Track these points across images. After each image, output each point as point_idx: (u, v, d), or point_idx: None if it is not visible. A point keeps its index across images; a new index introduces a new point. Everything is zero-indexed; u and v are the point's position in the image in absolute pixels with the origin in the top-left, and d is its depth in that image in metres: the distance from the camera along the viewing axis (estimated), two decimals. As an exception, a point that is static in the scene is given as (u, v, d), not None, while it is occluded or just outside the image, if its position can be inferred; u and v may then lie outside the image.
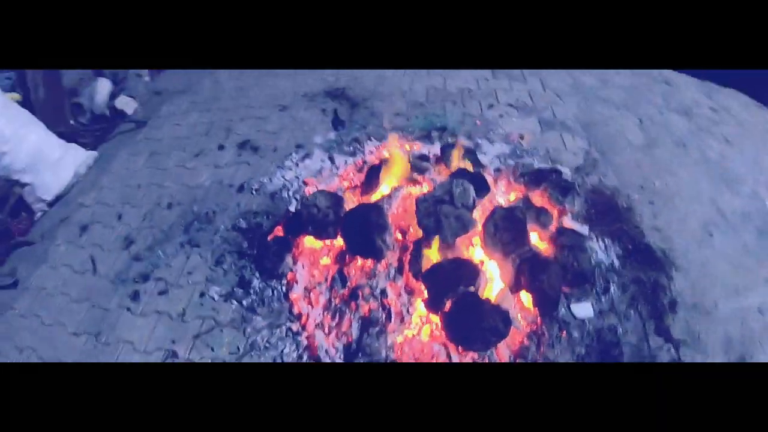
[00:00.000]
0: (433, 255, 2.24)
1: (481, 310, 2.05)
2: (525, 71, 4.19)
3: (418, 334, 2.19)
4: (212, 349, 2.21)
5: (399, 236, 2.37)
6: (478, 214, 2.34)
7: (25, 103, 3.26)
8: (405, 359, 2.12)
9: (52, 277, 2.63)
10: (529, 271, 2.20)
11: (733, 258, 2.65)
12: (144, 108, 3.95)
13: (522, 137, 3.40)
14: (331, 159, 3.18)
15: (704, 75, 4.22)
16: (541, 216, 2.53)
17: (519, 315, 2.25)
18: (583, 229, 2.74)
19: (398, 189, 2.49)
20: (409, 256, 2.27)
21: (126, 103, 3.81)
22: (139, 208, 2.99)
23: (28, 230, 2.93)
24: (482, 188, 2.41)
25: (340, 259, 2.41)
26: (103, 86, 3.74)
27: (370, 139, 3.32)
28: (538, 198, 2.68)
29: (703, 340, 2.24)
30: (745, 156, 3.38)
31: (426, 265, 2.21)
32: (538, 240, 2.52)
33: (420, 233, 2.27)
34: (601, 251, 2.65)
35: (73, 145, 3.29)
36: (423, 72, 4.15)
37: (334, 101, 3.83)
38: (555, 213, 2.71)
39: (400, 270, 2.28)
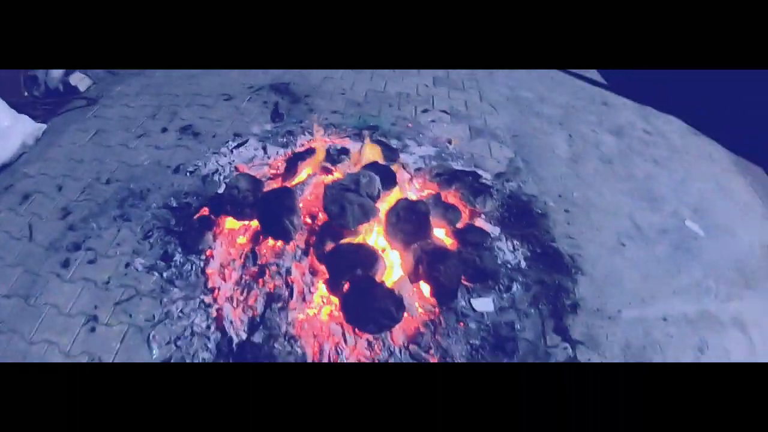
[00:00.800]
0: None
1: (374, 293, 2.17)
2: (465, 82, 4.36)
3: (318, 313, 2.29)
4: (130, 316, 2.30)
5: (309, 220, 2.48)
6: (386, 206, 2.46)
7: None
8: (303, 336, 2.22)
9: (-12, 240, 2.67)
10: (428, 262, 2.33)
11: (643, 268, 2.80)
12: (97, 86, 3.98)
13: (450, 141, 3.56)
14: (264, 149, 3.29)
15: (646, 100, 4.45)
16: (448, 212, 2.67)
17: (417, 303, 2.38)
18: (494, 230, 2.90)
19: (312, 176, 2.61)
20: (314, 239, 2.38)
21: (80, 80, 3.83)
22: (80, 182, 3.04)
23: None
24: (389, 181, 2.53)
25: (255, 239, 2.51)
26: (57, 62, 3.75)
27: (304, 133, 3.45)
28: (450, 196, 2.83)
29: (601, 343, 2.37)
30: (672, 178, 3.56)
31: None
32: (444, 235, 2.66)
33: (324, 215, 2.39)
34: (509, 252, 2.80)
35: (24, 116, 3.30)
36: (366, 74, 4.30)
37: (277, 95, 3.94)
38: (467, 212, 2.86)
39: (306, 252, 2.39)
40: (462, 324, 2.40)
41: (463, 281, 2.54)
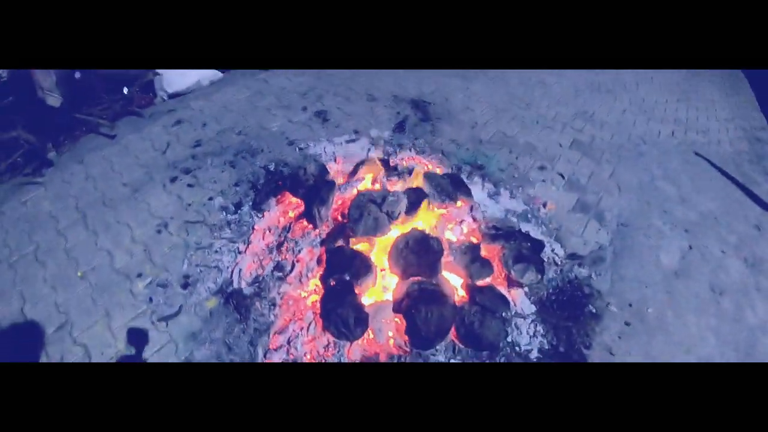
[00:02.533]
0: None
1: (344, 300, 2.20)
2: (605, 155, 3.86)
3: (306, 297, 2.42)
4: (188, 234, 2.81)
5: (340, 217, 2.60)
6: (401, 230, 2.44)
7: None
8: (283, 308, 2.39)
9: (137, 142, 3.52)
10: (414, 298, 2.25)
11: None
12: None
13: (544, 205, 3.23)
14: (368, 151, 3.48)
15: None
16: (475, 265, 2.49)
17: (390, 331, 2.32)
18: (528, 307, 2.59)
19: (359, 181, 2.71)
20: (330, 235, 2.51)
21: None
22: (220, 125, 3.75)
23: (146, 106, 3.89)
24: (415, 207, 2.48)
25: (299, 217, 2.76)
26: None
27: (410, 150, 3.53)
28: (489, 251, 2.62)
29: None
30: None
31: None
32: (458, 286, 2.49)
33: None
34: (527, 335, 2.49)
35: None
36: (507, 116, 4.14)
37: (412, 109, 4.10)
38: (502, 276, 2.62)
39: (323, 242, 2.53)
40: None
41: (453, 337, 2.37)
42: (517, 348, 2.43)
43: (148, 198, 3.03)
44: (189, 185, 3.15)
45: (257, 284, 2.49)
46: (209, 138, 3.60)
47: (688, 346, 2.56)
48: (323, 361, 2.21)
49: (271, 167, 3.33)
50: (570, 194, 3.41)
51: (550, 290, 2.72)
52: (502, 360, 2.37)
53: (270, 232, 2.77)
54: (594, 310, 2.66)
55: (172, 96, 3.96)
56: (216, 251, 2.72)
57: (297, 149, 3.53)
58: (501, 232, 2.74)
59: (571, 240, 3.04)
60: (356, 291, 2.26)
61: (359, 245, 2.46)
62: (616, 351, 2.49)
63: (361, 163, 2.87)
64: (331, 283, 2.31)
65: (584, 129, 4.14)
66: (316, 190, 2.67)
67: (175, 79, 3.91)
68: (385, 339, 2.30)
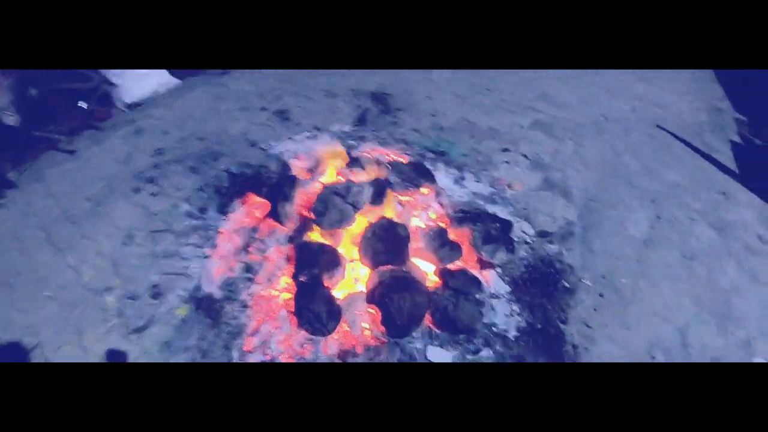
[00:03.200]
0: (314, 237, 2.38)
1: (314, 294, 2.14)
2: (568, 132, 3.87)
3: (277, 296, 2.36)
4: (156, 244, 2.71)
5: (305, 213, 2.54)
6: (367, 220, 2.39)
7: None
8: (254, 309, 2.32)
9: (97, 156, 3.36)
10: (385, 287, 2.20)
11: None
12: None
13: (509, 186, 3.22)
14: (330, 145, 3.42)
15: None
16: (444, 249, 2.45)
17: (365, 323, 2.27)
18: (501, 288, 2.57)
19: (321, 174, 2.66)
20: (296, 231, 2.44)
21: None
22: (182, 132, 3.60)
23: (105, 119, 3.75)
24: (380, 197, 2.44)
25: (265, 217, 2.68)
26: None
27: (372, 141, 3.48)
28: (458, 235, 2.59)
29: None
30: (762, 301, 2.76)
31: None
32: (431, 272, 2.46)
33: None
34: (503, 315, 2.49)
35: (163, 70, 4.00)
36: (468, 103, 4.12)
37: (372, 102, 4.04)
38: (474, 258, 2.59)
39: (291, 239, 2.47)
40: (403, 366, 2.22)
41: (428, 323, 2.34)
42: (494, 329, 2.41)
43: (112, 211, 2.92)
44: (153, 194, 3.05)
45: (228, 288, 2.41)
46: (171, 145, 3.49)
47: (665, 315, 2.57)
48: (301, 359, 2.15)
49: (234, 170, 3.25)
50: (535, 173, 3.40)
51: (522, 269, 2.71)
52: (481, 342, 2.34)
53: (237, 234, 2.70)
54: (567, 285, 2.66)
55: (130, 106, 3.83)
56: (184, 258, 2.64)
57: (259, 149, 3.45)
58: (468, 215, 2.72)
59: (539, 218, 3.03)
60: (326, 285, 2.21)
61: (326, 239, 2.40)
62: (592, 323, 2.49)
63: (323, 157, 2.80)
64: (302, 279, 2.25)
65: (546, 110, 4.14)
66: (279, 188, 2.61)
67: (133, 89, 3.79)
68: (360, 331, 2.25)
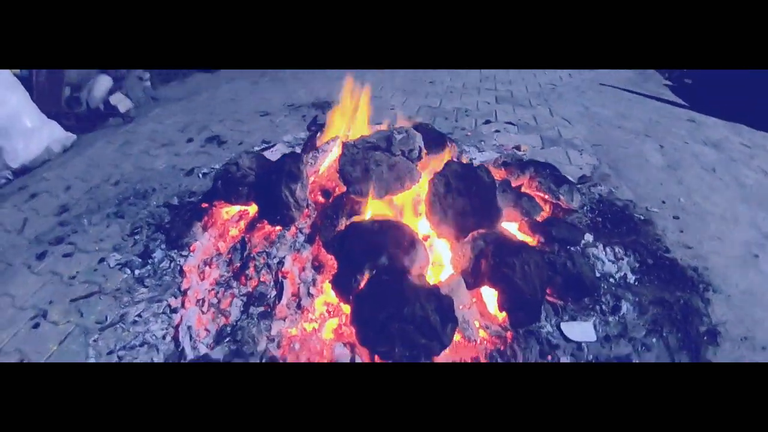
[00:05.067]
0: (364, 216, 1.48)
1: (405, 292, 1.23)
2: (532, 100, 3.60)
3: (319, 329, 1.38)
4: (81, 315, 1.65)
5: (321, 198, 1.64)
6: (430, 172, 1.57)
7: (26, 84, 2.97)
8: (291, 360, 1.30)
9: (-18, 232, 2.14)
10: (496, 255, 1.38)
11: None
12: (138, 110, 3.59)
13: (518, 148, 2.70)
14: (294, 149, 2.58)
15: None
16: (522, 201, 1.74)
17: (477, 321, 1.41)
18: (586, 237, 1.93)
19: (332, 141, 1.77)
20: (324, 222, 1.51)
21: (120, 100, 3.47)
22: (88, 183, 2.56)
23: None
24: (438, 144, 1.68)
25: (250, 227, 1.70)
26: (102, 82, 3.44)
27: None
28: (524, 184, 1.91)
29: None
30: None
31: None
32: (518, 231, 1.71)
33: (342, 188, 1.53)
34: (609, 262, 1.84)
35: (53, 122, 2.93)
36: (420, 93, 3.65)
37: (317, 110, 3.34)
38: (547, 208, 1.92)
39: (311, 239, 1.53)
40: (550, 359, 1.42)
41: (548, 297, 1.55)
42: (611, 279, 1.73)
43: (10, 289, 1.79)
44: (66, 255, 1.95)
45: (229, 340, 1.36)
46: (77, 199, 2.37)
47: (733, 218, 2.25)
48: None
49: (174, 201, 2.23)
50: (531, 136, 2.96)
51: (591, 214, 2.13)
52: (611, 297, 1.63)
53: (212, 264, 1.66)
54: (641, 217, 2.16)
55: (18, 173, 2.62)
56: (134, 321, 1.53)
57: (200, 176, 2.49)
58: (516, 165, 2.06)
59: (567, 169, 2.52)
60: (410, 275, 1.31)
61: (373, 214, 1.52)
62: (689, 243, 2.03)
63: (313, 122, 1.95)
64: (362, 283, 1.32)
65: (497, 87, 3.86)
66: (266, 184, 1.68)
67: (17, 149, 2.60)
68: (476, 333, 1.37)
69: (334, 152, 1.73)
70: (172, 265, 1.77)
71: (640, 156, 2.75)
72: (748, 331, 1.57)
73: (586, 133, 3.02)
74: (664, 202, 2.30)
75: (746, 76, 3.69)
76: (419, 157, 1.53)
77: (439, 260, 1.52)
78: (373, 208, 1.49)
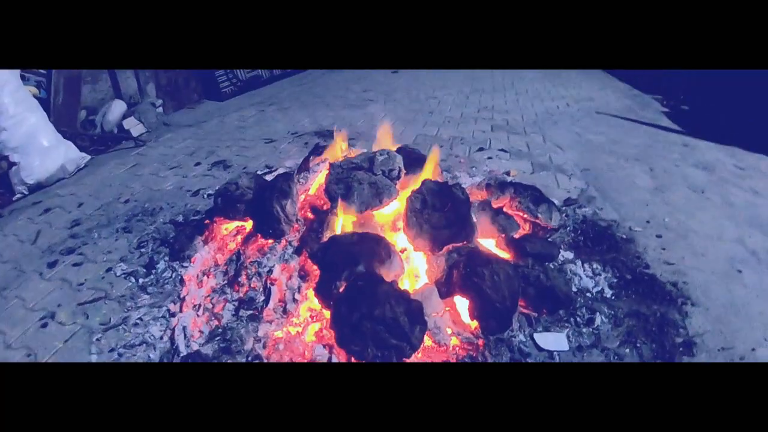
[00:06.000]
0: (338, 226, 1.62)
1: (378, 296, 1.35)
2: (527, 128, 3.76)
3: (302, 332, 1.50)
4: (87, 317, 1.79)
5: (310, 215, 1.78)
6: (409, 190, 1.71)
7: (44, 105, 3.22)
8: (275, 359, 1.42)
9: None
10: (467, 266, 1.50)
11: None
12: (149, 135, 3.85)
13: (508, 173, 2.83)
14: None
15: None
16: (500, 218, 1.86)
17: (448, 328, 1.51)
18: (565, 254, 2.03)
19: (322, 162, 1.94)
20: (309, 234, 1.65)
21: (133, 125, 3.73)
22: (100, 200, 2.77)
23: (3, 205, 2.76)
24: (415, 164, 1.82)
25: (246, 241, 1.85)
26: (117, 106, 3.72)
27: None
28: (505, 205, 2.03)
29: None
30: None
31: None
32: (494, 247, 1.82)
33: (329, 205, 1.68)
34: (587, 277, 1.94)
35: (69, 142, 3.15)
36: (418, 123, 3.85)
37: (320, 138, 3.55)
38: (527, 227, 2.03)
39: (299, 250, 1.67)
40: (520, 365, 1.49)
41: (521, 308, 1.65)
42: (588, 293, 1.82)
43: (22, 292, 1.96)
44: (75, 264, 2.13)
45: (219, 339, 1.48)
46: (89, 215, 2.57)
47: (718, 235, 2.33)
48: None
49: (179, 219, 2.41)
50: (522, 161, 3.10)
51: (573, 234, 2.23)
52: (585, 311, 1.72)
53: (210, 274, 1.81)
54: (624, 236, 2.25)
55: (33, 188, 2.85)
56: (135, 324, 1.68)
57: (205, 196, 2.67)
58: (498, 185, 2.19)
59: (554, 192, 2.65)
60: (384, 282, 1.43)
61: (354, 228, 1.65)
62: (671, 260, 2.11)
63: (316, 149, 2.12)
64: (340, 289, 1.44)
65: (494, 117, 4.04)
66: (260, 201, 1.84)
67: (33, 166, 2.82)
68: (447, 339, 1.47)
69: (324, 173, 1.89)
70: (174, 275, 1.92)
71: (629, 179, 2.87)
72: (726, 342, 1.64)
73: (577, 159, 3.16)
74: (648, 222, 2.40)
75: (743, 100, 3.81)
76: (398, 177, 1.68)
77: (416, 271, 1.64)
78: (355, 223, 1.64)
